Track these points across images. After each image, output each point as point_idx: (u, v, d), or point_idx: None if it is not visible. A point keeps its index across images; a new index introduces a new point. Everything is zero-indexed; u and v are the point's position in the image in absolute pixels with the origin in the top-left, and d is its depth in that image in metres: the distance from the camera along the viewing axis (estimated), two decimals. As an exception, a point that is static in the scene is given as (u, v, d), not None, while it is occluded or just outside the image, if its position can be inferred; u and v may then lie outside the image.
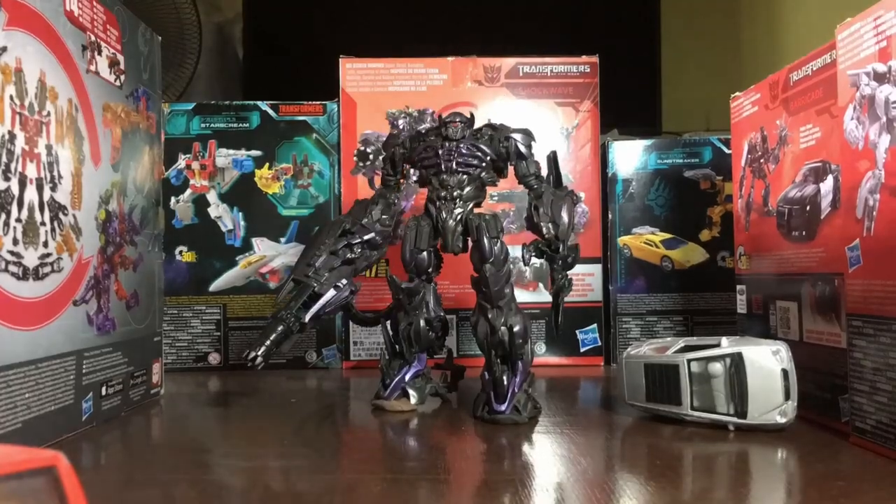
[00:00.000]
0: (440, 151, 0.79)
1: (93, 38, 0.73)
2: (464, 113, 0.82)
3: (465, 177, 0.79)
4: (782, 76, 0.79)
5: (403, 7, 1.77)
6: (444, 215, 0.78)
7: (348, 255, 0.80)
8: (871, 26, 0.60)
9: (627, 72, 1.70)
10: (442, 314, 0.84)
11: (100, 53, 0.74)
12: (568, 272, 0.79)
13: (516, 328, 0.75)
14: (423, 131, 0.84)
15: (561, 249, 0.77)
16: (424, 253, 0.79)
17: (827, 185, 0.71)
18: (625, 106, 1.42)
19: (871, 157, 0.60)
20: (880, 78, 0.59)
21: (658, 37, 1.82)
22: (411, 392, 0.82)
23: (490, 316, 0.76)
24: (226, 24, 1.88)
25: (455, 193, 0.78)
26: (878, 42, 0.59)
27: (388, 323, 0.83)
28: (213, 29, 1.84)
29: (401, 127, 1.15)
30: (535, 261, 1.15)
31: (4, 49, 0.58)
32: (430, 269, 0.81)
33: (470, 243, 0.78)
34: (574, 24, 1.79)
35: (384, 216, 0.82)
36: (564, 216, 0.77)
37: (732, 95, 0.90)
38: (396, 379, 0.81)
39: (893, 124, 0.57)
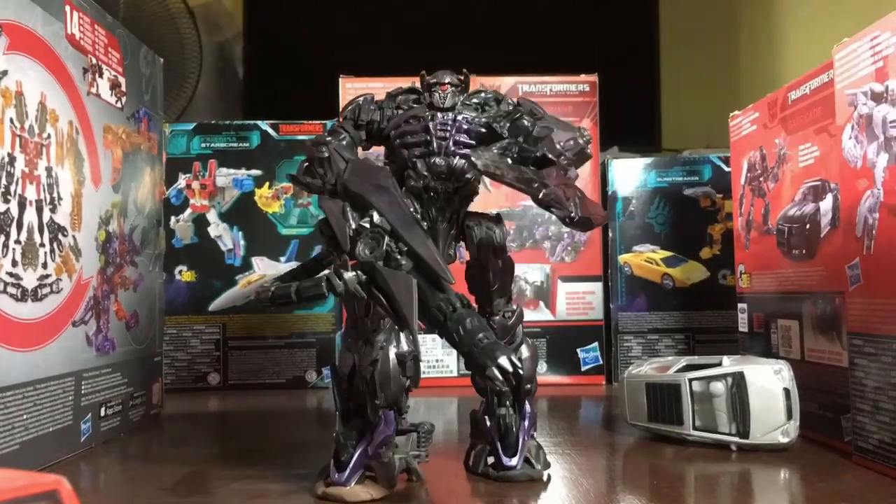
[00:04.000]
0: (431, 125, 0.59)
1: (94, 60, 0.73)
2: (456, 74, 0.62)
3: (463, 161, 0.58)
4: (780, 95, 0.79)
5: (403, 26, 1.78)
6: (435, 213, 0.59)
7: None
8: (868, 46, 0.60)
9: (628, 89, 1.71)
10: (417, 351, 0.58)
11: (101, 76, 0.75)
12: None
13: (526, 361, 0.61)
14: (395, 93, 0.63)
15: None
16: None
17: (826, 204, 0.71)
18: (626, 123, 1.43)
19: (869, 176, 0.60)
20: (878, 97, 0.59)
21: (657, 55, 1.83)
22: (379, 472, 0.56)
23: None
24: (226, 43, 1.89)
25: (451, 184, 0.59)
26: (875, 62, 0.59)
27: (335, 368, 0.59)
28: (214, 48, 1.85)
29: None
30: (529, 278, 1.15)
31: (5, 73, 0.59)
32: None
33: (464, 253, 0.62)
34: (574, 43, 1.80)
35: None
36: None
37: (731, 114, 0.90)
38: (357, 454, 0.56)
39: (891, 143, 0.57)
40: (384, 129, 0.61)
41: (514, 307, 0.64)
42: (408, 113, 0.60)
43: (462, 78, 0.61)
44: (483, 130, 0.59)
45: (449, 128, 0.59)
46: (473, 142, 0.59)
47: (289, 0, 1.86)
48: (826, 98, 0.70)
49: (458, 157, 0.58)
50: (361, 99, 0.62)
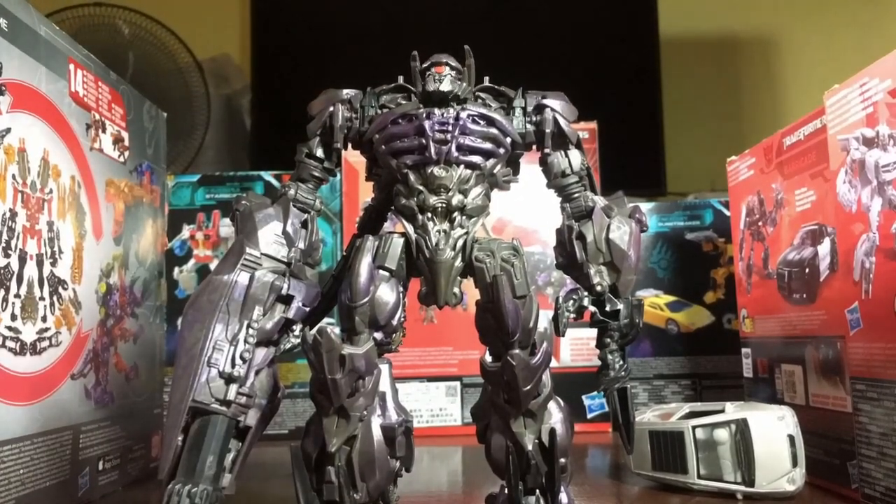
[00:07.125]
0: (426, 124, 0.46)
1: (97, 116, 0.75)
2: (453, 61, 0.49)
3: (469, 171, 0.47)
4: (776, 140, 0.79)
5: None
6: (434, 240, 0.46)
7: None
8: (858, 93, 0.60)
9: (632, 134, 1.73)
10: (409, 420, 0.49)
11: (104, 131, 0.76)
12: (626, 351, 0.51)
13: (557, 435, 0.46)
14: (379, 91, 0.51)
15: (621, 313, 0.49)
16: (391, 285, 0.46)
17: (824, 248, 0.71)
18: (630, 168, 1.44)
19: (864, 220, 0.60)
20: (869, 143, 0.59)
21: (660, 99, 1.85)
22: None
23: (515, 427, 0.46)
24: (234, 95, 1.93)
25: (455, 201, 0.46)
26: (865, 108, 0.60)
27: (301, 447, 0.46)
28: (222, 100, 1.88)
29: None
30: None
31: (8, 130, 0.60)
32: (394, 322, 0.46)
33: (470, 293, 0.48)
34: (577, 87, 1.82)
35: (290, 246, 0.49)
36: (631, 253, 0.49)
37: (728, 159, 0.91)
38: None
39: (884, 188, 0.58)
40: (364, 132, 0.49)
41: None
42: (396, 111, 0.48)
43: (463, 65, 0.48)
44: (494, 132, 0.47)
45: (450, 127, 0.46)
46: (484, 146, 0.47)
47: (296, 53, 1.90)
48: (820, 143, 0.70)
49: (462, 167, 0.47)
50: (331, 108, 0.51)
